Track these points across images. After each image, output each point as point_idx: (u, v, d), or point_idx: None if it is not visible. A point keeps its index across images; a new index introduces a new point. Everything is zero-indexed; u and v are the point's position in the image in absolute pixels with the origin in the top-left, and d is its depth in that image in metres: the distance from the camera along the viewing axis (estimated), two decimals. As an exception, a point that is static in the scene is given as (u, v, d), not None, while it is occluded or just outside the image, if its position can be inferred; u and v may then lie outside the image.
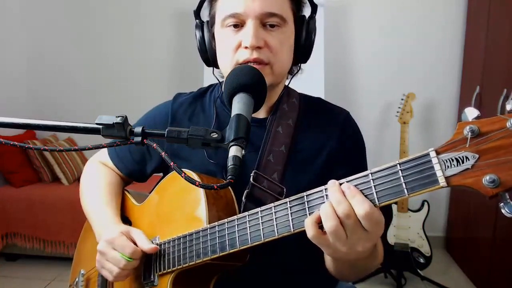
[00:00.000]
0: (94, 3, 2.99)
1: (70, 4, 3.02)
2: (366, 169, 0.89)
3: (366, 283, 2.39)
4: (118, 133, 0.59)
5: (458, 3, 2.62)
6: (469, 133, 0.47)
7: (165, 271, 0.77)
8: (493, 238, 2.09)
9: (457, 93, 2.71)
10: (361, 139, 0.91)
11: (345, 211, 0.54)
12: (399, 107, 2.39)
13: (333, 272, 0.76)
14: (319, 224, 0.57)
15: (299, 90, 0.95)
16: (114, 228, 0.81)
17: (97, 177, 0.98)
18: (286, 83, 0.92)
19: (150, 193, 0.92)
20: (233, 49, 0.78)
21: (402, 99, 2.40)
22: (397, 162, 0.53)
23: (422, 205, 2.36)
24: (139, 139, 0.59)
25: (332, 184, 0.57)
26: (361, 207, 0.53)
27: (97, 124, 0.59)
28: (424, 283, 2.34)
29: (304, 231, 0.60)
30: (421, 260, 2.28)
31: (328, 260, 0.74)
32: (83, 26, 3.04)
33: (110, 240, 0.77)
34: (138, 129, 0.59)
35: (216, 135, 0.58)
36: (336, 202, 0.55)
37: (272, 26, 0.77)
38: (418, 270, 2.28)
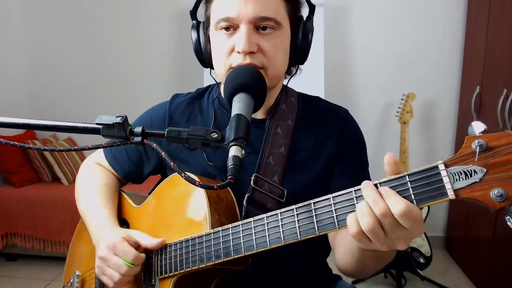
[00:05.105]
0: (94, 3, 2.99)
1: (70, 4, 3.01)
2: (367, 166, 0.90)
3: (366, 283, 2.39)
4: (118, 133, 0.59)
5: (458, 3, 2.61)
6: (478, 147, 0.49)
7: (166, 275, 0.77)
8: (493, 238, 2.09)
9: (457, 93, 2.71)
10: (361, 137, 0.91)
11: (382, 210, 0.52)
12: (399, 107, 2.39)
13: (351, 266, 0.74)
14: None
15: (299, 90, 0.95)
16: (113, 233, 0.81)
17: (93, 178, 0.97)
18: (285, 83, 0.91)
19: (149, 194, 0.92)
20: (227, 53, 0.77)
21: (402, 99, 2.40)
22: (406, 173, 0.53)
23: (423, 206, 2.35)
24: (139, 139, 0.59)
25: (366, 184, 0.55)
26: (398, 205, 0.51)
27: (97, 124, 0.59)
28: (424, 283, 2.34)
29: (310, 238, 0.60)
30: (421, 260, 2.28)
31: (349, 256, 0.72)
32: (83, 26, 3.03)
33: (112, 246, 0.77)
34: (138, 129, 0.59)
35: (216, 135, 0.58)
36: (373, 202, 0.53)
37: (266, 29, 0.76)
38: (418, 270, 2.28)
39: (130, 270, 0.76)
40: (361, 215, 0.54)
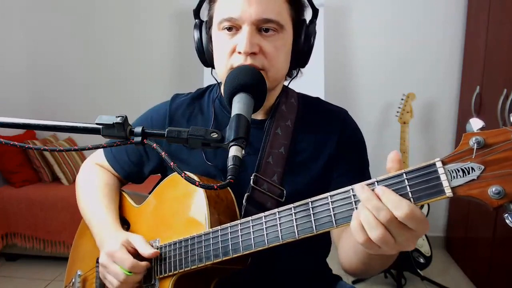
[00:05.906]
0: (94, 3, 2.99)
1: (70, 4, 3.01)
2: (367, 166, 0.90)
3: (366, 283, 2.39)
4: (118, 133, 0.59)
5: (458, 3, 2.61)
6: (475, 144, 0.48)
7: (166, 275, 0.77)
8: (493, 238, 2.09)
9: (457, 93, 2.71)
10: (361, 137, 0.91)
11: (388, 217, 0.51)
12: (399, 107, 2.39)
13: (357, 267, 0.74)
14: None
15: (299, 90, 0.95)
16: (115, 238, 0.81)
17: (94, 179, 0.97)
18: (285, 84, 0.91)
19: (149, 194, 0.92)
20: (228, 54, 0.77)
21: (402, 99, 2.40)
22: (403, 171, 0.52)
23: (422, 205, 2.35)
24: (139, 139, 0.59)
25: (361, 188, 0.53)
26: (400, 210, 0.50)
27: (97, 124, 0.59)
28: (424, 283, 2.34)
29: (308, 237, 0.60)
30: (421, 260, 2.28)
31: (355, 258, 0.72)
32: (83, 26, 3.03)
33: (111, 253, 0.78)
34: (138, 129, 0.59)
35: (216, 135, 0.58)
36: (376, 210, 0.51)
37: (268, 31, 0.76)
38: (418, 270, 2.28)
39: (128, 278, 0.76)
40: (369, 228, 0.52)
